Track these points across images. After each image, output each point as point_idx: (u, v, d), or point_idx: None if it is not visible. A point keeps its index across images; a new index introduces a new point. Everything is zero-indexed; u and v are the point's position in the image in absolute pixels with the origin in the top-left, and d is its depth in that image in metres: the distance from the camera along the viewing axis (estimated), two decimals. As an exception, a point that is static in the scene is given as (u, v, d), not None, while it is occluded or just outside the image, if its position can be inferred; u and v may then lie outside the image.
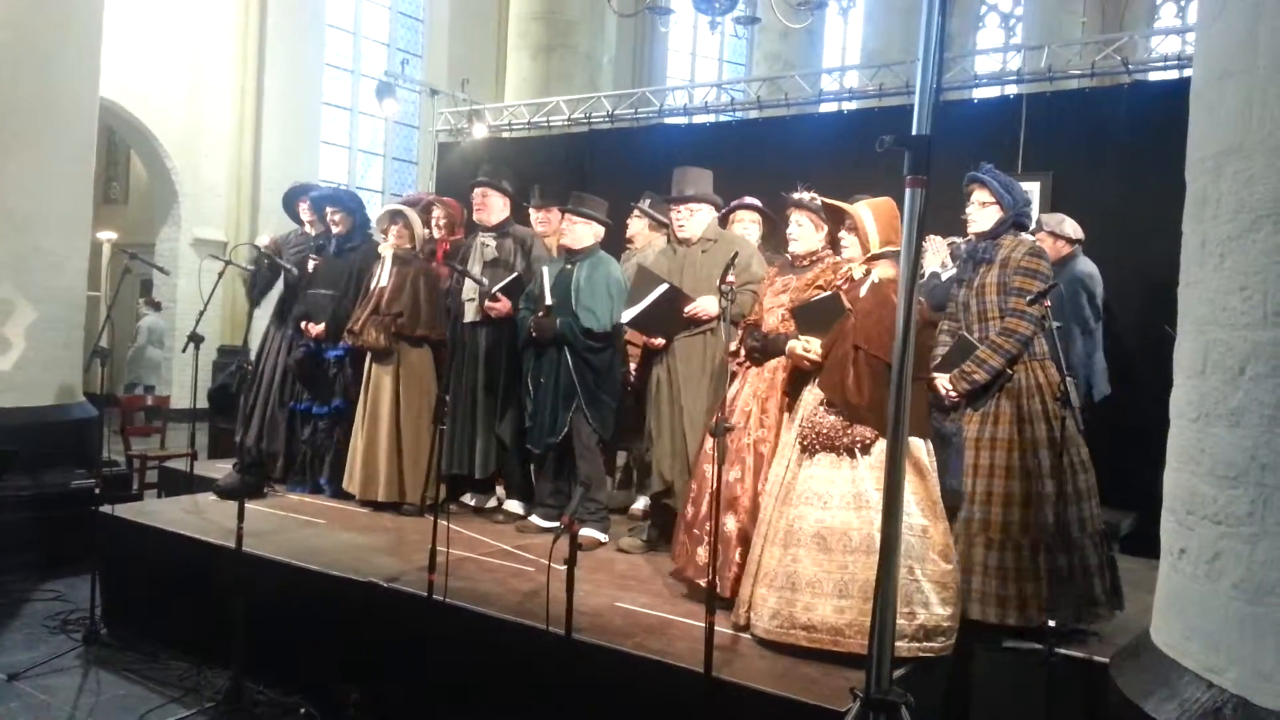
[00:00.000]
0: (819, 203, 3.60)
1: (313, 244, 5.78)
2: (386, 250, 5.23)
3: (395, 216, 5.09)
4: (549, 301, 4.45)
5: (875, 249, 3.28)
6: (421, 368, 5.00)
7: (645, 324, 4.18)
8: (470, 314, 4.85)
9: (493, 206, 4.93)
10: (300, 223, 5.93)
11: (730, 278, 3.34)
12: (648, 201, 5.25)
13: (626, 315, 4.17)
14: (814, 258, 3.65)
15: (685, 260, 4.28)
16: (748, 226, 4.75)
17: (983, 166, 3.59)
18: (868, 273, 3.30)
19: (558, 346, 4.48)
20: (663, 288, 4.07)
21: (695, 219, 4.29)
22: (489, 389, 4.83)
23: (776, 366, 3.57)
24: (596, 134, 8.52)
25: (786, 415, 3.43)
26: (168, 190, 11.91)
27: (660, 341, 4.21)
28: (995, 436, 3.29)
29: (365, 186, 14.08)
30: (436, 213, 5.62)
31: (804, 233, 3.67)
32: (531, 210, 5.53)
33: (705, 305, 4.11)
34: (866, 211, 3.31)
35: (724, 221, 4.65)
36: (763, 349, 3.63)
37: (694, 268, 4.24)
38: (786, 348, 3.38)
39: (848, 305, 3.24)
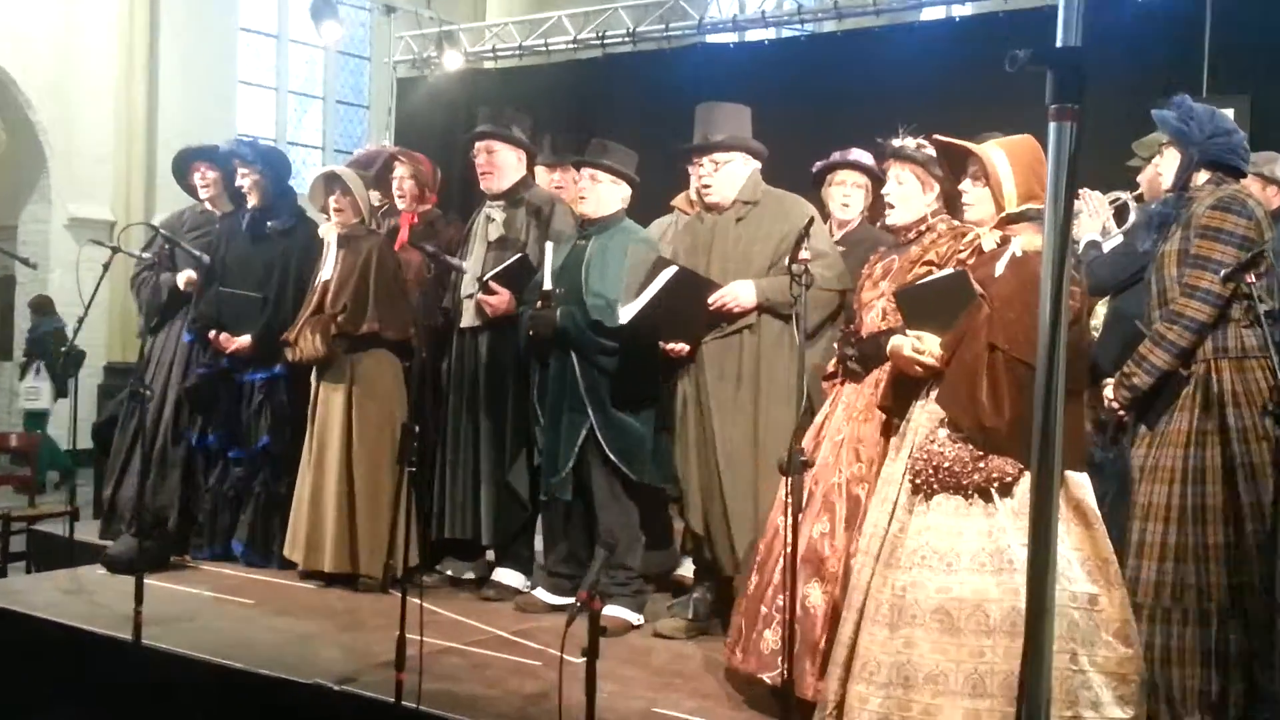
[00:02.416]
0: (927, 150, 3.67)
1: (218, 224, 5.91)
2: (329, 232, 5.35)
3: (330, 183, 5.23)
4: (548, 286, 4.59)
5: (1013, 207, 3.28)
6: (382, 383, 5.14)
7: (657, 323, 4.30)
8: (469, 316, 5.01)
9: (503, 165, 5.08)
10: (197, 197, 6.07)
11: (805, 254, 3.41)
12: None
13: (626, 312, 4.31)
14: (921, 228, 3.73)
15: (715, 233, 4.40)
16: (850, 194, 4.81)
17: (1176, 100, 3.61)
18: (1005, 241, 3.31)
19: (561, 348, 4.62)
20: (669, 273, 4.20)
21: (724, 175, 4.39)
22: (494, 418, 4.97)
23: (878, 380, 3.65)
24: (613, 61, 8.63)
25: (890, 441, 3.50)
26: (32, 153, 11.50)
27: (681, 347, 4.33)
28: (1164, 465, 3.35)
29: (300, 141, 14.14)
30: (399, 172, 5.73)
31: (906, 194, 3.74)
32: (540, 170, 5.65)
33: (736, 293, 4.22)
34: (1000, 154, 3.32)
35: (819, 184, 4.81)
36: (861, 358, 3.71)
37: (726, 242, 4.35)
38: (890, 347, 3.41)
39: (978, 288, 3.23)
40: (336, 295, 5.09)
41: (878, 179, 4.65)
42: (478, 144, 5.10)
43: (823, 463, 3.61)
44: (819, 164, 4.82)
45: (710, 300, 4.22)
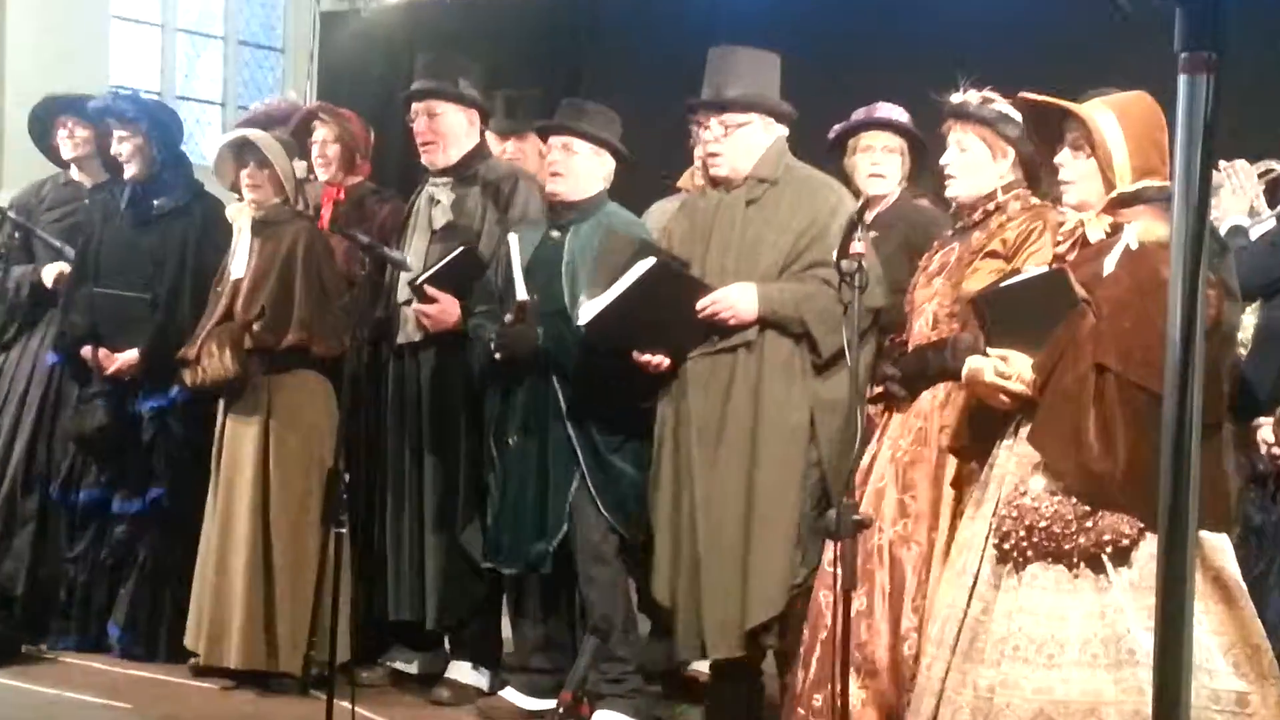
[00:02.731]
0: (996, 107, 3.76)
1: (88, 200, 5.94)
2: (240, 215, 5.40)
3: (243, 152, 5.30)
4: (523, 295, 4.64)
5: (1127, 185, 3.32)
6: (308, 415, 5.23)
7: (628, 328, 4.41)
8: (408, 328, 5.12)
9: (449, 132, 5.17)
10: (61, 162, 6.11)
11: (858, 246, 3.48)
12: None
13: (586, 310, 4.42)
14: (989, 206, 3.82)
15: (717, 217, 4.52)
16: (880, 161, 4.87)
17: None
18: (1116, 229, 3.32)
19: (540, 375, 4.68)
20: (644, 265, 4.29)
21: (737, 142, 4.50)
22: (442, 461, 5.03)
23: (930, 409, 3.70)
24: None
25: (960, 494, 3.55)
26: None
27: (661, 361, 4.44)
28: None
29: (193, 95, 13.93)
30: (320, 134, 5.79)
31: (971, 162, 3.83)
32: (492, 139, 5.72)
33: (732, 300, 4.30)
34: (1108, 117, 3.35)
35: (838, 150, 4.89)
36: (905, 378, 3.78)
37: (730, 229, 4.47)
38: (968, 369, 3.46)
39: (1081, 290, 3.25)
40: (251, 297, 5.17)
41: (917, 142, 4.80)
42: (415, 105, 5.19)
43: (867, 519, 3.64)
44: (838, 126, 4.92)
45: (699, 306, 4.31)
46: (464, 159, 5.18)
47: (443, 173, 5.18)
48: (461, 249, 4.95)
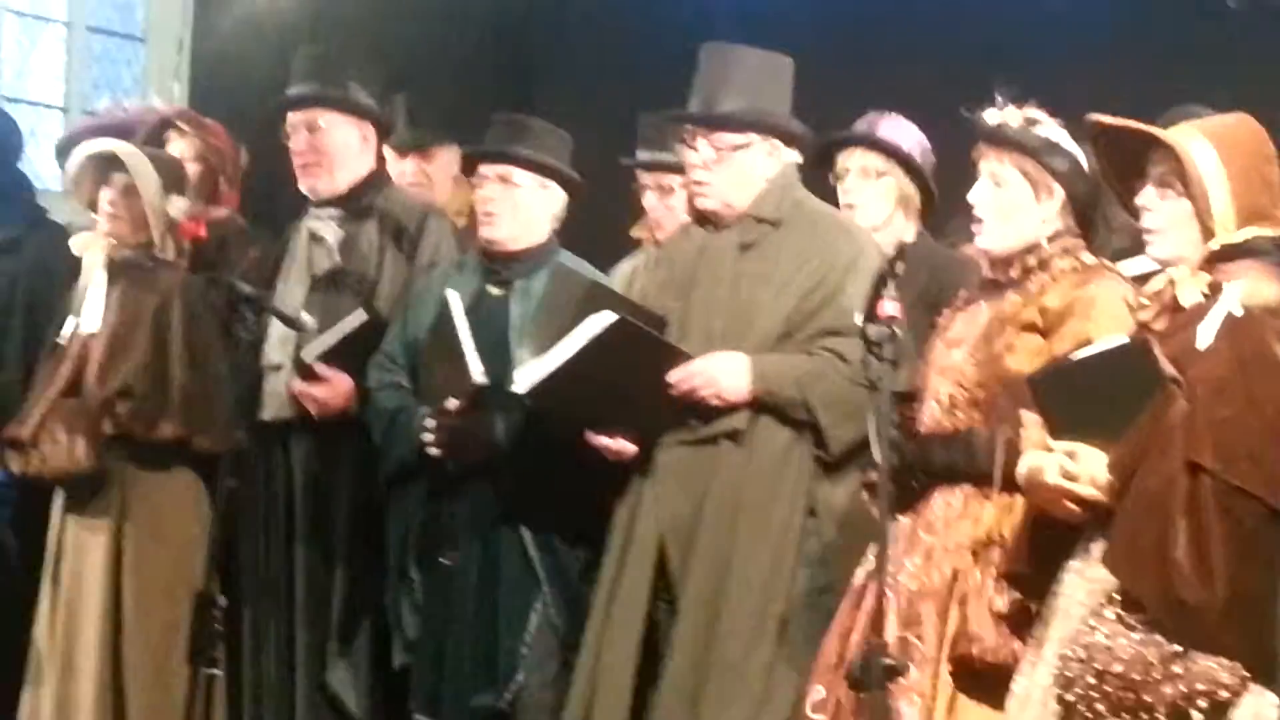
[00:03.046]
0: (1043, 131, 3.84)
1: None
2: (93, 251, 5.48)
3: (106, 167, 5.39)
4: (479, 377, 4.72)
5: (1230, 235, 3.37)
6: (174, 523, 5.34)
7: (582, 401, 4.48)
8: (275, 403, 5.20)
9: (335, 150, 5.27)
10: None
11: (890, 307, 3.56)
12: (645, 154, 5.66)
13: (525, 375, 4.51)
14: (1030, 261, 3.88)
15: (701, 264, 4.60)
16: (852, 188, 5.00)
17: None
18: (1214, 290, 3.36)
19: (488, 477, 4.78)
20: (600, 320, 4.35)
21: (731, 169, 4.57)
22: (316, 581, 5.12)
23: (942, 521, 3.81)
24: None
25: (1022, 634, 3.61)
26: None
27: (623, 446, 4.52)
28: None
29: (25, 97, 13.59)
30: (176, 150, 5.94)
31: (1008, 202, 3.91)
32: (390, 157, 5.86)
33: (715, 373, 4.35)
34: (1204, 147, 3.40)
35: (819, 170, 5.00)
36: (914, 466, 3.86)
37: (718, 282, 4.55)
38: (1026, 468, 3.50)
39: (1169, 368, 3.28)
40: (109, 365, 5.25)
41: (913, 171, 4.93)
42: (292, 116, 5.27)
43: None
44: (825, 137, 5.01)
45: (671, 379, 4.39)
46: (356, 186, 5.30)
47: (327, 203, 5.28)
48: (362, 317, 5.06)
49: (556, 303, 4.64)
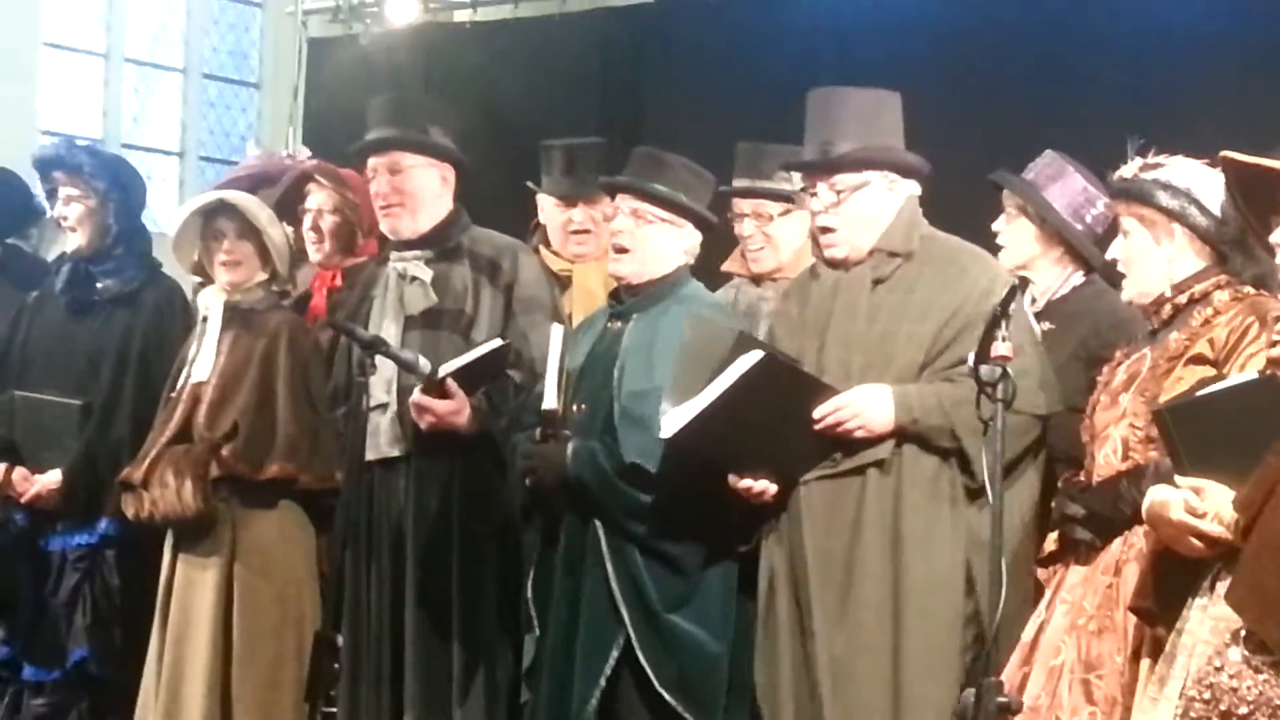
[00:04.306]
0: (1153, 176, 3.84)
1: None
2: (211, 300, 5.53)
3: (221, 216, 5.45)
4: (550, 403, 4.75)
5: None
6: (284, 562, 5.36)
7: (724, 444, 4.47)
8: (385, 442, 5.19)
9: (418, 192, 5.30)
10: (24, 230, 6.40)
11: (1002, 347, 3.62)
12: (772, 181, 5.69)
13: (671, 421, 4.46)
14: (1181, 297, 3.91)
15: (836, 303, 4.60)
16: (1010, 231, 5.08)
17: None
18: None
19: (576, 509, 4.77)
20: (748, 361, 4.36)
21: (855, 209, 4.60)
22: (431, 617, 5.08)
23: (1124, 561, 3.76)
24: (666, 10, 8.80)
25: (1148, 668, 3.55)
26: None
27: (766, 488, 4.49)
28: None
29: (139, 143, 13.37)
30: (315, 201, 6.03)
31: (1134, 252, 3.96)
32: (549, 205, 5.94)
33: (861, 405, 4.35)
34: None
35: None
36: (1093, 519, 3.86)
37: (853, 319, 4.56)
38: (1148, 504, 3.50)
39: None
40: (218, 409, 5.31)
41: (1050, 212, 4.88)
42: (372, 160, 5.31)
43: (1032, 706, 3.69)
44: (996, 177, 5.05)
45: (817, 414, 4.36)
46: (439, 227, 5.33)
47: (411, 244, 5.32)
48: (499, 343, 5.05)
49: (696, 350, 4.58)
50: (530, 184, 6.05)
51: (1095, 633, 3.76)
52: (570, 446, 4.74)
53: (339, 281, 5.84)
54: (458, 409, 5.01)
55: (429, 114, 5.38)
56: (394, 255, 5.34)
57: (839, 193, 4.53)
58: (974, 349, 3.83)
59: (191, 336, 5.55)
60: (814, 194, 4.60)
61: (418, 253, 5.30)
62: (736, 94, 7.70)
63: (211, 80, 13.65)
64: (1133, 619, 3.76)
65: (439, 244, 5.30)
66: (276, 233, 5.52)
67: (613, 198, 5.07)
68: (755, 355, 4.35)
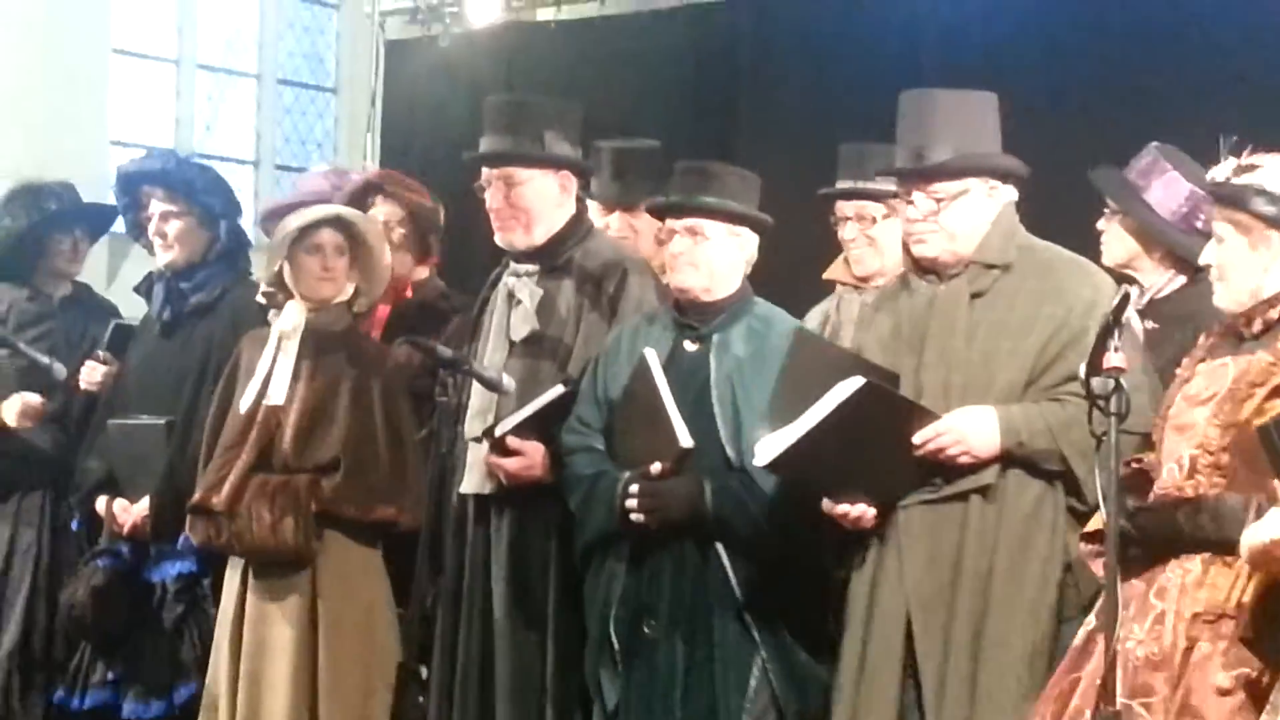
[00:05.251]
0: (1248, 180, 3.79)
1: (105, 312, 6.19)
2: (291, 317, 5.50)
3: (323, 228, 5.44)
4: (686, 441, 4.72)
5: None
6: (363, 589, 5.35)
7: (820, 469, 4.44)
8: (480, 476, 5.15)
9: (534, 204, 5.22)
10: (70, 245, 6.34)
11: (1115, 358, 3.57)
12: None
13: (767, 448, 4.42)
14: (1272, 312, 3.84)
15: (932, 317, 4.55)
16: (1113, 229, 5.06)
17: None
18: None
19: (694, 542, 4.72)
20: (848, 387, 4.29)
21: (954, 216, 4.54)
22: (524, 658, 5.08)
23: (1178, 588, 3.72)
24: (760, 5, 8.72)
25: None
26: None
27: (864, 513, 4.43)
28: None
29: (214, 152, 12.94)
30: (383, 212, 6.00)
31: (1228, 258, 3.87)
32: (594, 208, 5.87)
33: (964, 430, 4.30)
34: None
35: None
36: (1142, 535, 3.80)
37: (951, 334, 4.50)
38: (1248, 540, 3.42)
39: None
40: (307, 439, 5.32)
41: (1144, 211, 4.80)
42: (486, 171, 5.24)
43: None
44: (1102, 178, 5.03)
45: (919, 439, 4.31)
46: (555, 238, 5.24)
47: (524, 256, 5.23)
48: (560, 391, 5.01)
49: (796, 372, 4.52)
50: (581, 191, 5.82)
51: (1145, 662, 3.71)
52: (709, 485, 4.69)
53: (410, 293, 5.83)
54: (529, 464, 4.98)
55: (545, 118, 5.27)
56: (509, 268, 5.29)
57: (938, 200, 4.47)
58: (1084, 360, 3.76)
59: (259, 352, 5.50)
60: (910, 201, 4.54)
61: (528, 267, 5.23)
62: (835, 92, 7.66)
63: (286, 85, 13.59)
64: (1183, 652, 3.71)
65: (550, 259, 5.22)
66: (383, 252, 5.53)
67: (663, 221, 5.02)
68: (855, 382, 4.27)
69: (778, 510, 4.64)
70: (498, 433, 4.93)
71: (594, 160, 5.73)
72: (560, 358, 5.12)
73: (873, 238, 5.52)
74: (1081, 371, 3.66)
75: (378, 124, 9.88)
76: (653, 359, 4.79)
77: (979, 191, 4.51)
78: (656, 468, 4.70)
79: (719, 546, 4.69)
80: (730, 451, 4.70)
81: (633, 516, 4.71)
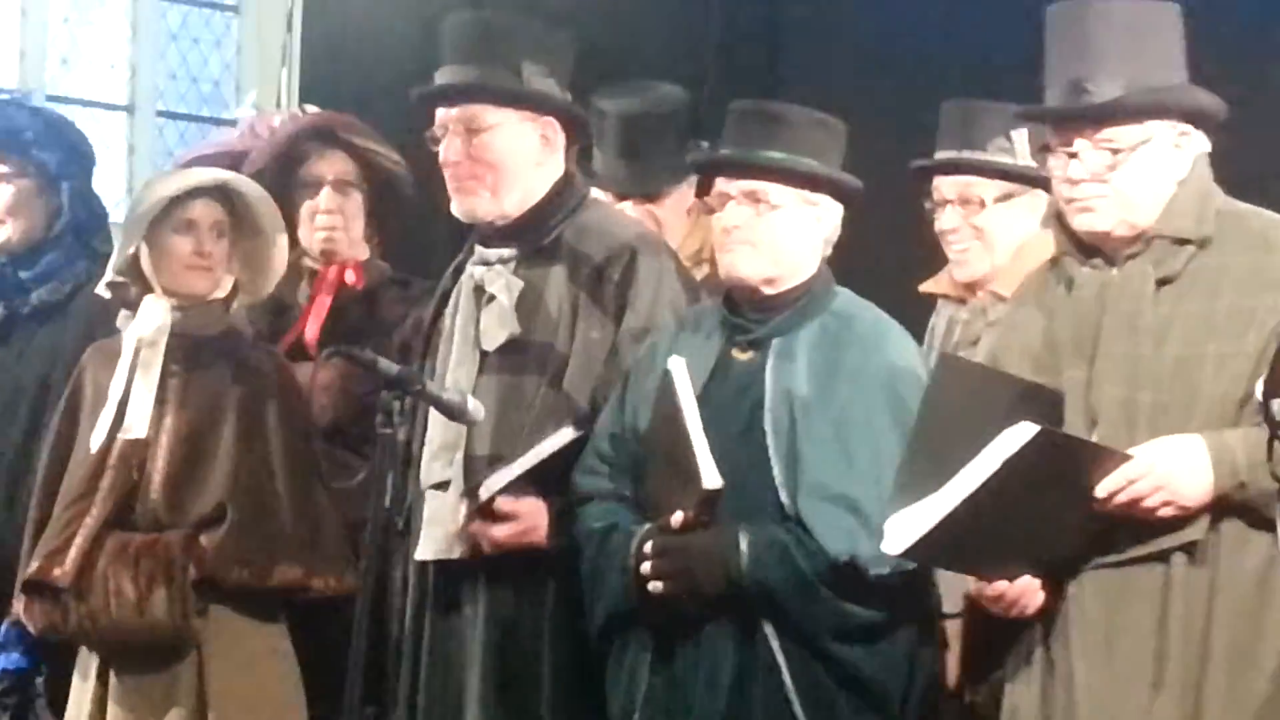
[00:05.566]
0: None
1: None
2: (152, 319, 5.06)
3: (196, 202, 5.08)
4: (713, 480, 4.28)
5: None
6: (271, 691, 5.06)
7: (974, 547, 4.07)
8: (436, 540, 4.80)
9: (502, 160, 4.89)
10: None
11: None
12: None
13: (904, 529, 4.03)
14: None
15: (1108, 311, 4.14)
16: None
17: None
18: None
19: (732, 615, 4.45)
20: (1022, 437, 3.89)
21: (1131, 175, 4.11)
22: None
23: None
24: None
25: None
26: None
27: (1025, 589, 4.09)
28: None
29: (71, 95, 12.22)
30: (329, 169, 5.60)
31: None
32: (597, 191, 5.59)
33: (1164, 472, 3.91)
34: None
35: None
36: None
37: (1133, 334, 4.10)
38: None
39: None
40: (181, 483, 4.94)
41: None
42: (441, 113, 4.92)
43: None
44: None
45: (1103, 491, 3.89)
46: (536, 210, 4.86)
47: (496, 237, 4.89)
48: (568, 437, 4.68)
49: (939, 411, 4.06)
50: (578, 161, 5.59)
51: None
52: (744, 539, 4.26)
53: (359, 281, 5.50)
54: (523, 529, 4.63)
55: (523, 44, 4.88)
56: (475, 254, 4.95)
57: (1115, 152, 3.98)
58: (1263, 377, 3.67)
59: (114, 368, 5.10)
60: (1073, 155, 4.02)
61: (501, 252, 4.85)
62: (919, 29, 7.19)
63: (174, 4, 12.16)
64: None
65: (531, 238, 4.83)
66: (278, 233, 5.18)
67: (709, 180, 4.80)
68: (1024, 431, 3.80)
69: (853, 579, 4.23)
70: (483, 494, 4.63)
71: (594, 125, 5.40)
72: (551, 372, 4.76)
73: (980, 228, 5.03)
74: (1259, 391, 3.56)
75: (295, 54, 9.13)
76: (679, 370, 4.41)
77: (1164, 140, 4.05)
78: (678, 518, 4.34)
79: (766, 627, 4.34)
80: (784, 496, 4.33)
81: (651, 585, 4.39)
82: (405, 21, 8.48)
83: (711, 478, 4.28)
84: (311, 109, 6.30)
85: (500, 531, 4.66)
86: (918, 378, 4.42)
